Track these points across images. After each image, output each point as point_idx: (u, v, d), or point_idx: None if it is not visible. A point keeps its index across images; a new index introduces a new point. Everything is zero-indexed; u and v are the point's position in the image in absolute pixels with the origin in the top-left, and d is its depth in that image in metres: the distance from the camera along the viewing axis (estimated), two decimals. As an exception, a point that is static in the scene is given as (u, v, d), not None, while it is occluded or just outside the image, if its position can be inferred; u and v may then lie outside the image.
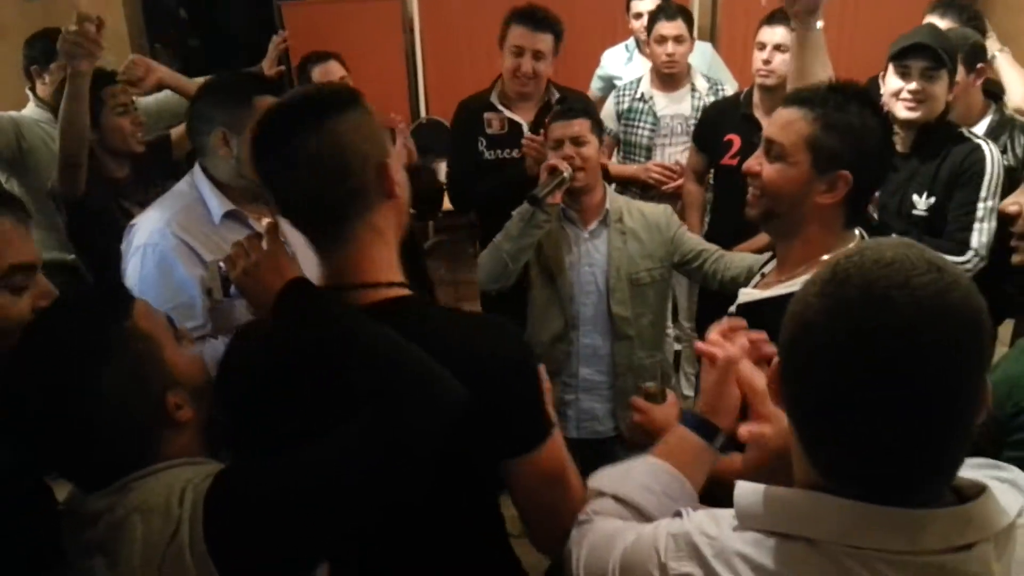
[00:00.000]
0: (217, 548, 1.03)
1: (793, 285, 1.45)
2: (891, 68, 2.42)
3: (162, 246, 1.92)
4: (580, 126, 2.39)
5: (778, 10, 2.96)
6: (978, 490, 0.83)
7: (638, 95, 3.49)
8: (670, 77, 3.43)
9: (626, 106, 3.51)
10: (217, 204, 2.00)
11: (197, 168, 2.06)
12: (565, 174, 2.29)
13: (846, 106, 1.45)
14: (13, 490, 1.18)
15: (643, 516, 1.11)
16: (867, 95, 1.51)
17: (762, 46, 3.00)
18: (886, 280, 0.78)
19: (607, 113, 3.54)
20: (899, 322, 0.77)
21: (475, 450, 1.18)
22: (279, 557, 1.06)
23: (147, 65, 2.87)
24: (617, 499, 1.14)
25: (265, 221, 2.06)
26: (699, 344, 1.30)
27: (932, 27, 2.58)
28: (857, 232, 1.55)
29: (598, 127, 2.46)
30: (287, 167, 1.16)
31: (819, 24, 1.79)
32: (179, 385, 1.18)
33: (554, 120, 2.46)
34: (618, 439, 2.53)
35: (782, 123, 1.50)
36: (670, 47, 3.33)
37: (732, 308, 1.65)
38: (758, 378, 1.21)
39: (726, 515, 0.93)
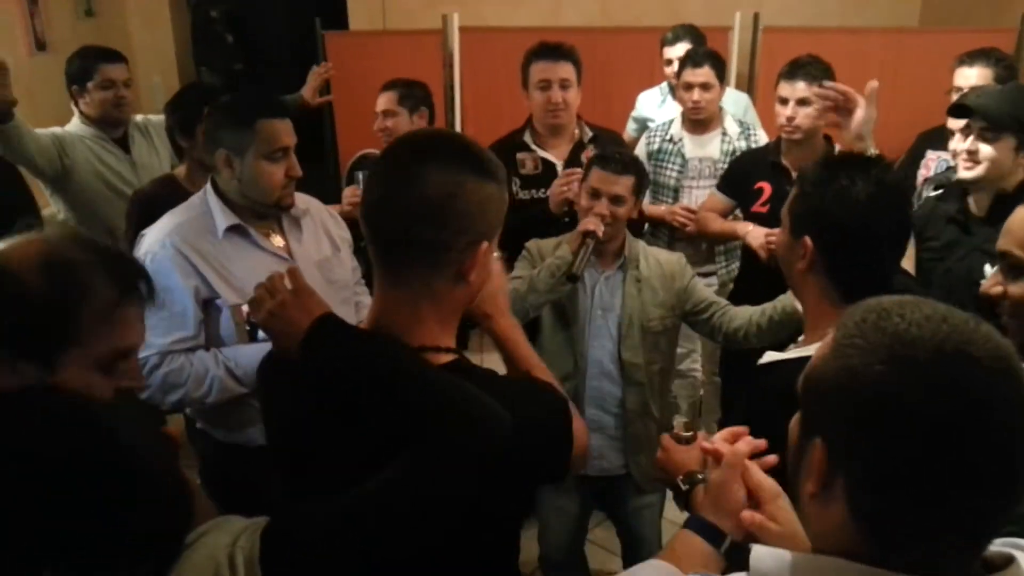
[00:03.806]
0: None
1: (808, 350, 1.45)
2: (955, 124, 2.39)
3: (160, 256, 1.99)
4: (623, 185, 2.34)
5: (797, 63, 2.93)
6: (1005, 560, 0.81)
7: (668, 136, 3.51)
8: (699, 121, 3.45)
9: (656, 147, 3.53)
10: (222, 218, 2.06)
11: (209, 183, 2.13)
12: (599, 233, 2.28)
13: (829, 176, 1.49)
14: None
15: None
16: (862, 165, 1.51)
17: (784, 101, 2.92)
18: (953, 336, 0.78)
19: (638, 153, 3.55)
20: (982, 375, 0.76)
21: (502, 504, 1.22)
22: None
23: None
24: None
25: (273, 239, 2.13)
26: (704, 444, 1.31)
27: (1012, 89, 2.41)
28: None
29: (639, 187, 2.39)
30: (396, 188, 1.15)
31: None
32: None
33: (601, 166, 2.38)
34: (628, 478, 2.51)
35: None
36: (696, 94, 3.35)
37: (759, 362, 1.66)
38: (765, 478, 1.21)
39: None
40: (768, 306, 2.32)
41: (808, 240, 1.48)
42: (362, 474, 1.08)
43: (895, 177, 1.59)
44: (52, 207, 3.25)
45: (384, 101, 3.33)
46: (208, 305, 2.02)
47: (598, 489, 2.60)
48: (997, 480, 0.76)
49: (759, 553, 0.87)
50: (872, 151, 2.12)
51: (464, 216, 1.15)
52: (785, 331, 2.22)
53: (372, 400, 1.11)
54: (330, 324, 1.18)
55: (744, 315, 2.35)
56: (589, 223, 2.30)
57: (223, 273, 2.03)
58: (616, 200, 2.34)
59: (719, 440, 1.29)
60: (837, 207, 1.46)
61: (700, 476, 1.39)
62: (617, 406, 2.46)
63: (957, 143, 2.37)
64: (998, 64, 3.07)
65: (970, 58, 3.13)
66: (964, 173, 2.30)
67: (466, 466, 1.06)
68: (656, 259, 2.46)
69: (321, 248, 2.23)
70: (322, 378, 1.17)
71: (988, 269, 2.23)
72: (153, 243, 2.02)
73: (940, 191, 2.65)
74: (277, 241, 2.17)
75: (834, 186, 1.47)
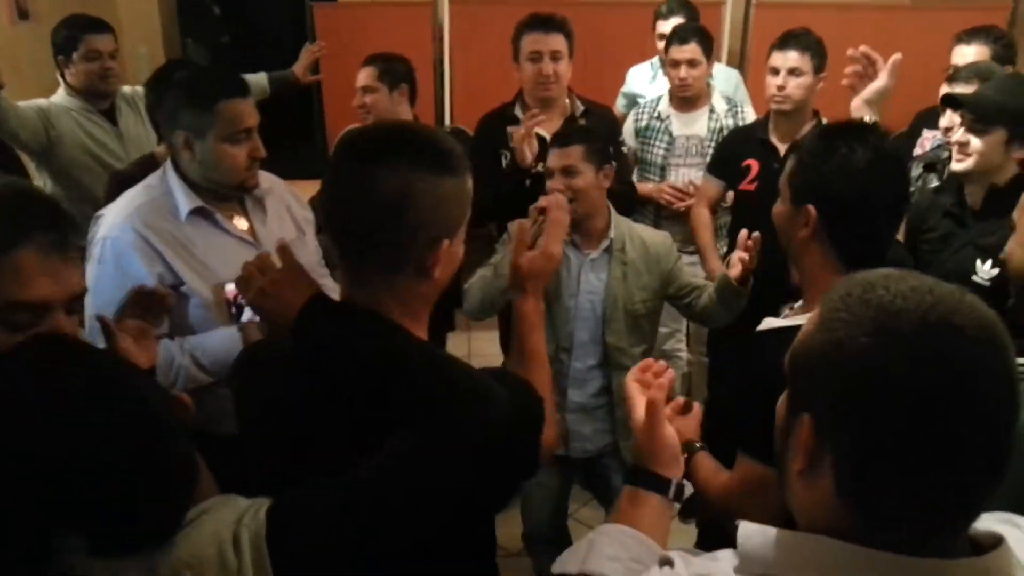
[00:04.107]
0: None
1: (804, 318, 1.45)
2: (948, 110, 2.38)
3: (121, 240, 1.89)
4: (573, 155, 2.33)
5: (789, 33, 2.93)
6: (994, 541, 0.81)
7: (655, 114, 3.50)
8: (686, 99, 3.43)
9: (644, 124, 3.52)
10: (184, 201, 1.98)
11: (169, 162, 2.04)
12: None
13: (828, 145, 1.49)
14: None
15: None
16: (859, 133, 1.51)
17: (775, 71, 2.93)
18: (938, 307, 0.78)
19: (627, 130, 3.54)
20: (967, 345, 0.76)
21: (490, 495, 1.22)
22: None
23: None
24: None
25: (237, 221, 2.05)
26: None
27: (1007, 79, 2.37)
28: None
29: (597, 154, 2.36)
30: (349, 190, 1.13)
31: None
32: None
33: (551, 144, 2.42)
34: (613, 455, 2.51)
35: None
36: (683, 71, 3.33)
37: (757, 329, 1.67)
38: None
39: (726, 555, 0.90)
40: (712, 283, 2.37)
41: (811, 208, 1.48)
42: (358, 455, 1.06)
43: (892, 145, 1.59)
44: (37, 180, 3.21)
45: (363, 77, 3.26)
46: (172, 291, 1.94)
47: (579, 472, 2.60)
48: (982, 451, 0.77)
49: (747, 530, 0.87)
50: (869, 118, 2.09)
51: (421, 215, 1.12)
52: (734, 300, 2.25)
53: (366, 380, 1.09)
54: (322, 303, 1.17)
55: (707, 295, 2.38)
56: (543, 200, 2.30)
57: (187, 259, 1.95)
58: (568, 172, 2.33)
59: (633, 385, 1.32)
60: (837, 175, 1.46)
61: (698, 445, 1.39)
62: (600, 388, 2.46)
63: (948, 120, 2.36)
64: (996, 42, 3.06)
65: (968, 36, 3.11)
66: (956, 165, 2.30)
67: (461, 448, 1.05)
68: (642, 239, 2.44)
69: (285, 231, 2.15)
70: (316, 359, 1.16)
71: (979, 264, 2.20)
72: (112, 227, 1.92)
73: (934, 179, 2.64)
74: (241, 224, 2.09)
75: (834, 155, 1.47)
